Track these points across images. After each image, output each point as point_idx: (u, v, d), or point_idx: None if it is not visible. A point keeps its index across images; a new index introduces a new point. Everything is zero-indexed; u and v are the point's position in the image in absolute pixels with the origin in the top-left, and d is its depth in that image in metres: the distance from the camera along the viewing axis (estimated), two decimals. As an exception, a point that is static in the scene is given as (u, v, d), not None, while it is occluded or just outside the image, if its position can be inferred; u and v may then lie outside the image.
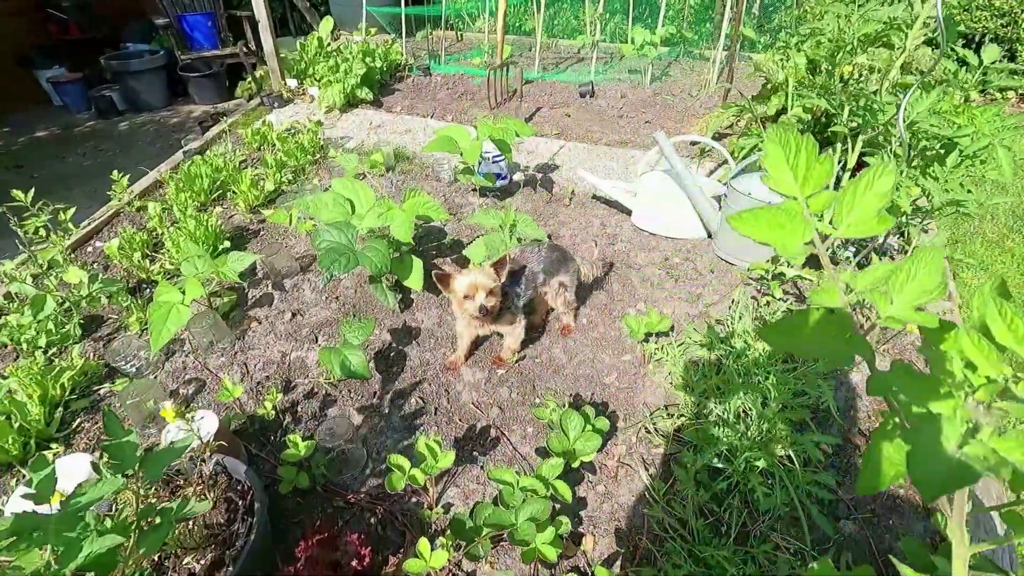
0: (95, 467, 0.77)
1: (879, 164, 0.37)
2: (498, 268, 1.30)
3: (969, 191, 1.57)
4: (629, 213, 2.08)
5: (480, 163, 2.31)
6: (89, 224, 2.15)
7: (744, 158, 2.04)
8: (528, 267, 1.41)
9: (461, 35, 4.74)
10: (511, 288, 1.39)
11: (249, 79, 3.52)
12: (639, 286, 1.78)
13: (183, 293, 1.44)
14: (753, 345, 1.42)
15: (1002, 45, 3.96)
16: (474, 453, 1.34)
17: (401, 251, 1.70)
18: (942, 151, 1.54)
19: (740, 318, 1.54)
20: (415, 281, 1.65)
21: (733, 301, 1.71)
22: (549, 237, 2.01)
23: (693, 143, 2.57)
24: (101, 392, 1.50)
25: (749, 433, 1.26)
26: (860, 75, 1.85)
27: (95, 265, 1.97)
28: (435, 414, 1.43)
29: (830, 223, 0.39)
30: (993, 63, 1.77)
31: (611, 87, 3.43)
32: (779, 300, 1.67)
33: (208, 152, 2.61)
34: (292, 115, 3.14)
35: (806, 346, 0.34)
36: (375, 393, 1.48)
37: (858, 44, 1.67)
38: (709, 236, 1.98)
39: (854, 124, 1.63)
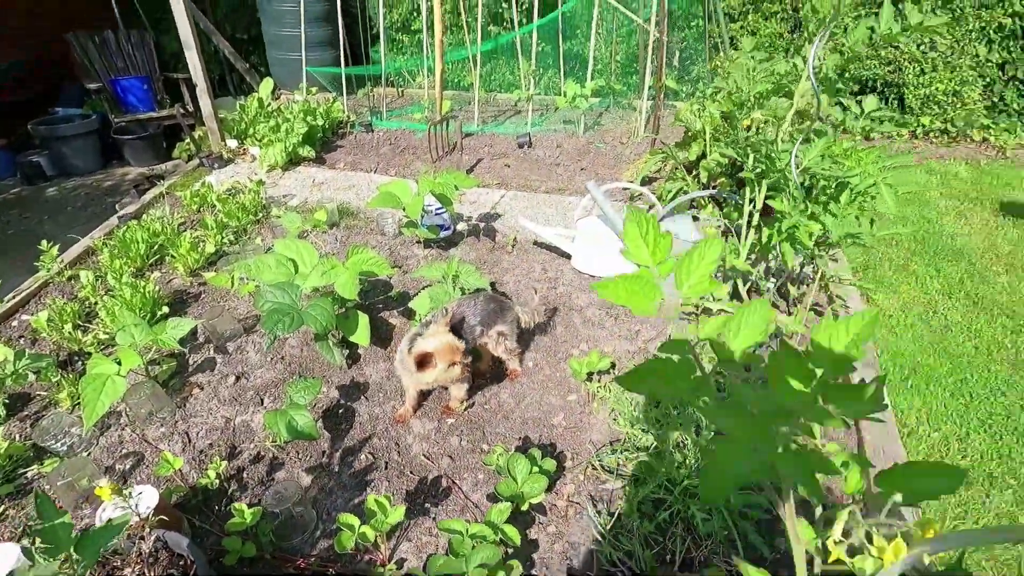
0: (27, 553, 0.75)
1: (712, 239, 0.46)
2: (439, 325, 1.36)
3: (868, 221, 1.76)
4: (569, 257, 2.19)
5: (423, 216, 2.38)
6: (14, 297, 2.06)
7: (672, 200, 2.21)
8: (465, 320, 1.46)
9: (402, 91, 4.90)
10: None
11: (187, 140, 3.51)
12: (581, 327, 1.87)
13: (118, 364, 1.41)
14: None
15: (891, 89, 4.45)
16: (426, 505, 1.35)
17: (347, 307, 1.72)
18: (836, 190, 1.72)
19: (674, 352, 1.64)
20: (362, 337, 1.67)
21: (669, 336, 1.82)
22: (493, 285, 2.08)
23: (624, 188, 2.74)
24: (28, 475, 1.42)
25: (687, 462, 1.33)
26: (758, 128, 2.05)
27: (21, 340, 1.88)
28: (386, 469, 1.44)
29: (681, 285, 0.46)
30: (873, 111, 2.01)
31: (548, 137, 3.62)
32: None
33: (145, 216, 2.58)
34: (232, 175, 3.14)
35: (660, 389, 0.41)
36: (324, 452, 1.48)
37: (755, 100, 1.87)
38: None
39: (758, 170, 1.80)
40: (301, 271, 1.69)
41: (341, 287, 1.63)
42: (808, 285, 2.20)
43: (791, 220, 1.68)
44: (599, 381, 1.64)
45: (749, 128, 2.14)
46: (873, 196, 1.66)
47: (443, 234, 2.42)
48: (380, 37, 3.97)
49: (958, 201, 3.33)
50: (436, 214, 2.37)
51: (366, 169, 3.21)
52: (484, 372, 1.67)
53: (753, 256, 2.00)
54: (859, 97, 2.10)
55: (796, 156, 1.58)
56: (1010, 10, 4.01)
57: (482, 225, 2.55)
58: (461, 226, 2.55)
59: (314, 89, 4.40)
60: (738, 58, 2.17)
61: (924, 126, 4.41)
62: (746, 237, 1.90)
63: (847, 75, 2.03)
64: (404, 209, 2.07)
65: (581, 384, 1.64)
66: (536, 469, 1.28)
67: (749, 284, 2.01)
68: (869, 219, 1.75)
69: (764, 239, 1.82)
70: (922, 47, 4.22)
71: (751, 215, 1.95)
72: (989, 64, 4.21)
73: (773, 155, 1.69)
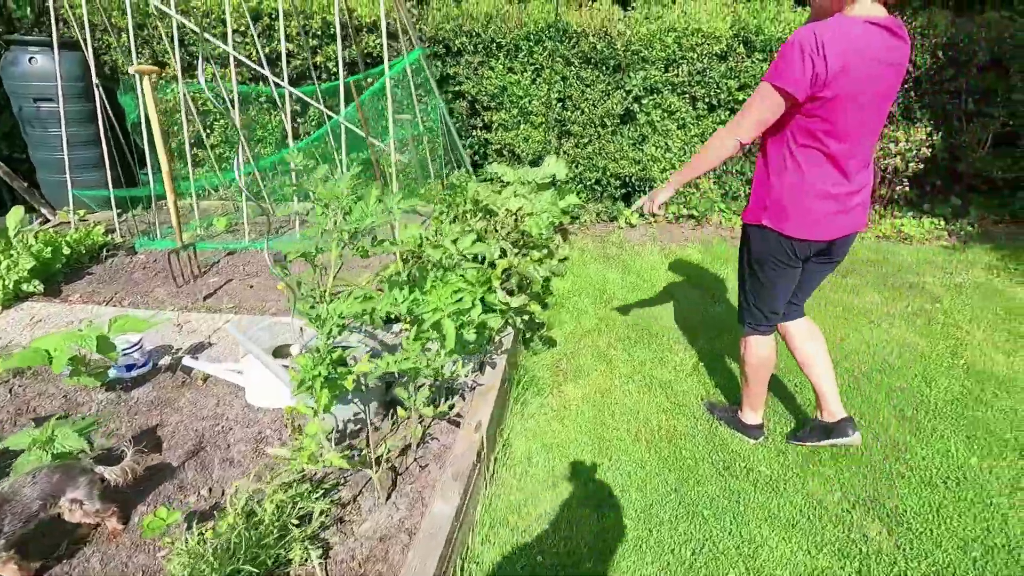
0: None
1: None
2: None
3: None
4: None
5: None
6: None
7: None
8: (16, 498, 1.44)
9: (196, 205, 4.91)
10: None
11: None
12: (217, 467, 1.90)
13: None
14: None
15: (644, 184, 5.10)
16: None
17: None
18: (413, 324, 1.94)
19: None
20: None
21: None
22: (155, 428, 2.08)
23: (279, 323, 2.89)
24: None
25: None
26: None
27: None
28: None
29: None
30: (573, 206, 2.32)
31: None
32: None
33: None
34: (-59, 318, 2.94)
35: None
36: None
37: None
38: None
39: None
40: None
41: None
42: (463, 396, 2.39)
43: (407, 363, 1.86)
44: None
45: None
46: (442, 334, 1.86)
47: (135, 372, 2.39)
48: (147, 159, 4.00)
49: (679, 284, 3.82)
50: (124, 353, 2.35)
51: (101, 300, 3.13)
52: (85, 536, 1.63)
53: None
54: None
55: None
56: (721, 118, 4.84)
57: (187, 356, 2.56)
58: (165, 359, 2.54)
59: (82, 211, 4.31)
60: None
61: (674, 213, 5.08)
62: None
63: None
64: (51, 361, 2.04)
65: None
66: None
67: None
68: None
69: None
70: (659, 149, 4.94)
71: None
72: (715, 160, 4.99)
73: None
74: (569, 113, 4.93)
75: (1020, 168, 4.76)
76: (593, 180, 5.14)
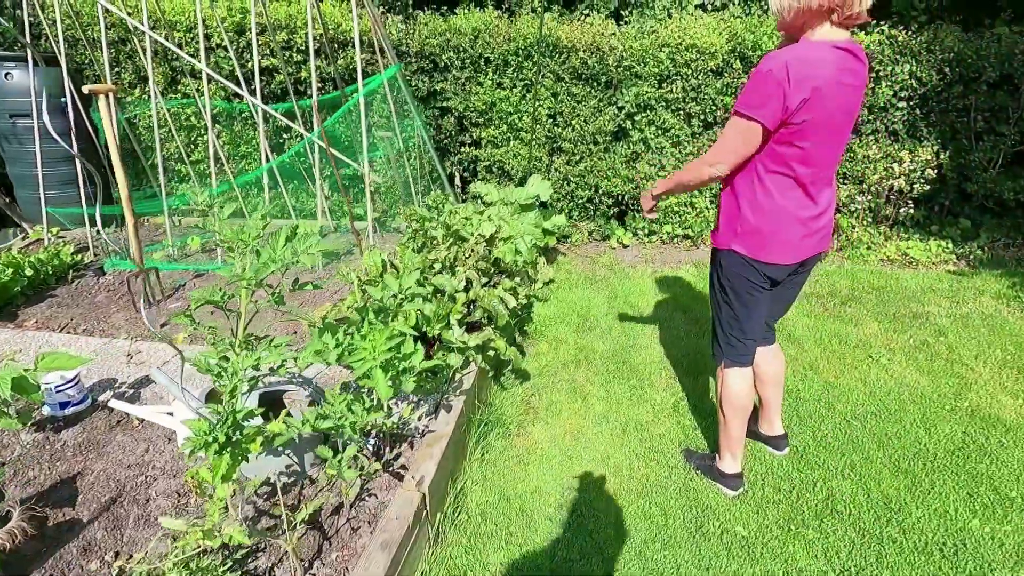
0: None
1: None
2: None
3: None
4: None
5: (47, 394, 2.22)
6: None
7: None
8: None
9: (179, 221, 4.81)
10: None
11: None
12: (131, 526, 1.74)
13: None
14: None
15: (637, 203, 4.93)
16: None
17: None
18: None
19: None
20: None
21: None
22: (75, 476, 1.93)
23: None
24: None
25: None
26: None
27: None
28: None
29: None
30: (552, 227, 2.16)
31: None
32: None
33: None
34: None
35: None
36: None
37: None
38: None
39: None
40: None
41: None
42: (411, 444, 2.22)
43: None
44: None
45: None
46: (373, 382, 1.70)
47: (70, 410, 2.26)
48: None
49: (667, 311, 3.63)
50: (57, 391, 2.22)
51: (57, 327, 3.01)
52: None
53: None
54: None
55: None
56: (716, 135, 4.65)
57: (130, 392, 2.42)
58: (106, 396, 2.40)
59: (55, 229, 4.22)
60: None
61: (668, 233, 4.89)
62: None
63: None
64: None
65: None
66: None
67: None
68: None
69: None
70: (653, 167, 4.77)
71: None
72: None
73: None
74: (560, 130, 4.78)
75: (1033, 189, 4.52)
76: (585, 198, 4.97)
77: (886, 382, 2.82)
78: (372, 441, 1.95)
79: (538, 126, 4.75)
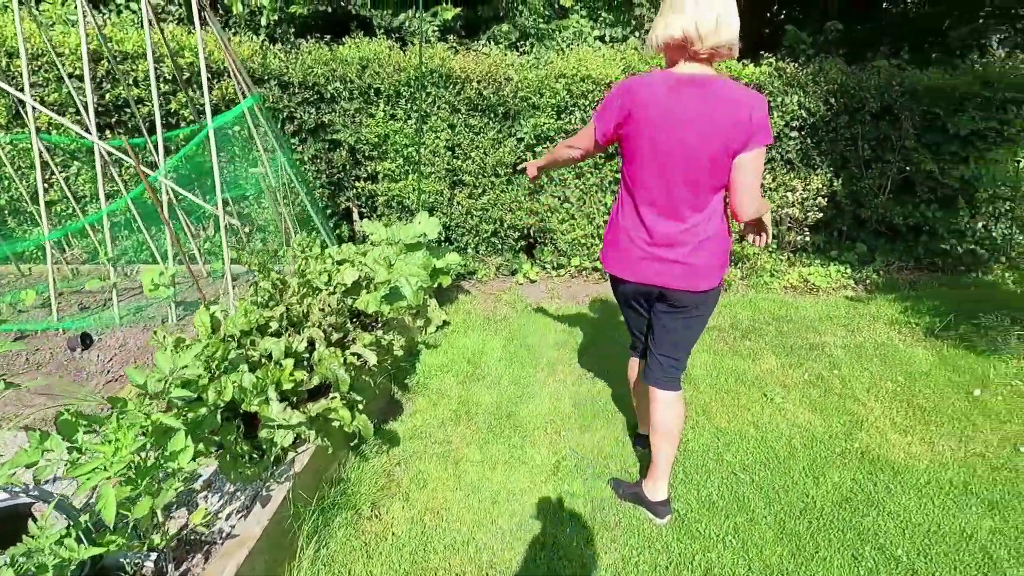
0: None
1: None
2: None
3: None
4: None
5: None
6: None
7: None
8: None
9: (30, 269, 4.25)
10: None
11: None
12: None
13: None
14: None
15: (546, 235, 4.74)
16: None
17: None
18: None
19: None
20: None
21: None
22: None
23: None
24: None
25: None
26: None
27: None
28: None
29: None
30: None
31: (125, 331, 3.18)
32: None
33: None
34: None
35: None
36: None
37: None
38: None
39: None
40: None
41: None
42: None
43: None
44: None
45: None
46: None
47: None
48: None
49: (563, 353, 3.41)
50: None
51: None
52: None
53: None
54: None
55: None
56: (618, 166, 4.57)
57: None
58: None
59: None
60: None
61: (577, 266, 4.73)
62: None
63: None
64: None
65: None
66: None
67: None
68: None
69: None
70: (557, 199, 4.63)
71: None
72: (617, 210, 4.69)
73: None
74: (460, 162, 4.57)
75: (920, 214, 4.66)
76: (490, 232, 4.76)
77: (778, 424, 2.68)
78: (154, 557, 1.58)
79: (436, 158, 4.53)
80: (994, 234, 4.60)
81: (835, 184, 4.57)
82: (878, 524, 2.08)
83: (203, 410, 1.79)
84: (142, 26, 3.70)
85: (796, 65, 4.57)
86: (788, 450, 2.50)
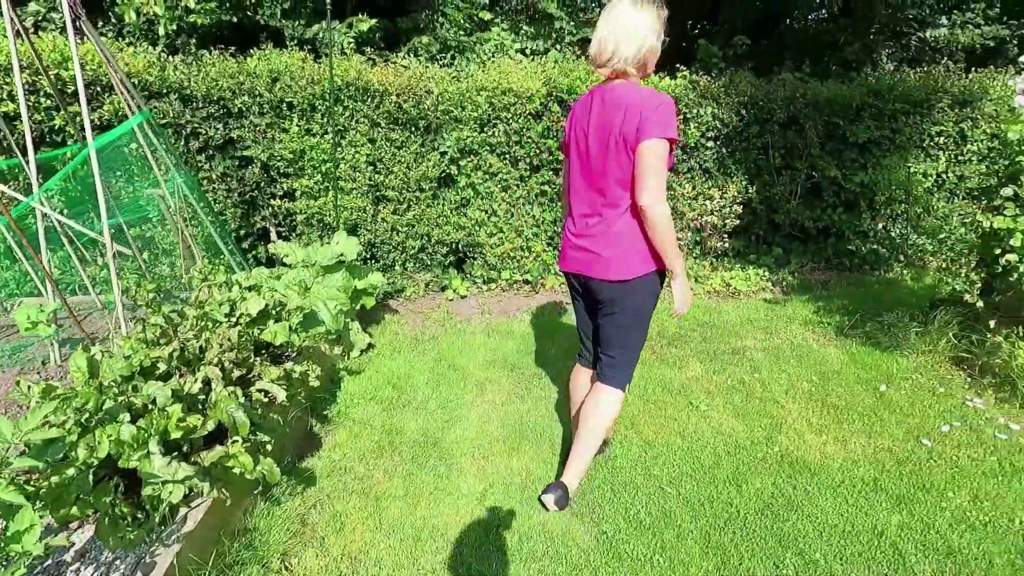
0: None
1: None
2: None
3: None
4: None
5: None
6: None
7: None
8: None
9: None
10: None
11: None
12: None
13: None
14: None
15: (475, 249, 4.66)
16: None
17: None
18: None
19: None
20: None
21: None
22: None
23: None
24: None
25: None
26: None
27: None
28: None
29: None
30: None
31: (1, 376, 2.83)
32: None
33: None
34: None
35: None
36: None
37: None
38: None
39: None
40: None
41: None
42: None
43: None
44: None
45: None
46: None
47: None
48: None
49: (498, 368, 3.33)
50: None
51: None
52: None
53: None
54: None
55: None
56: (545, 178, 4.56)
57: None
58: None
59: None
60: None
61: (507, 280, 4.67)
62: None
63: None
64: None
65: None
66: None
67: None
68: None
69: None
70: (484, 213, 4.56)
71: None
72: (545, 221, 4.69)
73: None
74: (382, 177, 4.42)
75: (827, 217, 4.93)
76: (417, 248, 4.62)
77: (704, 432, 2.71)
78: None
79: (358, 174, 4.36)
80: (892, 234, 4.94)
81: (750, 191, 4.76)
82: (798, 528, 2.12)
83: (70, 471, 1.58)
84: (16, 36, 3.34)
85: (709, 78, 4.74)
86: (713, 459, 2.52)
